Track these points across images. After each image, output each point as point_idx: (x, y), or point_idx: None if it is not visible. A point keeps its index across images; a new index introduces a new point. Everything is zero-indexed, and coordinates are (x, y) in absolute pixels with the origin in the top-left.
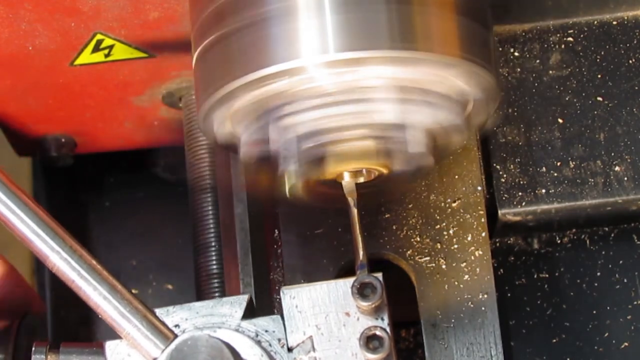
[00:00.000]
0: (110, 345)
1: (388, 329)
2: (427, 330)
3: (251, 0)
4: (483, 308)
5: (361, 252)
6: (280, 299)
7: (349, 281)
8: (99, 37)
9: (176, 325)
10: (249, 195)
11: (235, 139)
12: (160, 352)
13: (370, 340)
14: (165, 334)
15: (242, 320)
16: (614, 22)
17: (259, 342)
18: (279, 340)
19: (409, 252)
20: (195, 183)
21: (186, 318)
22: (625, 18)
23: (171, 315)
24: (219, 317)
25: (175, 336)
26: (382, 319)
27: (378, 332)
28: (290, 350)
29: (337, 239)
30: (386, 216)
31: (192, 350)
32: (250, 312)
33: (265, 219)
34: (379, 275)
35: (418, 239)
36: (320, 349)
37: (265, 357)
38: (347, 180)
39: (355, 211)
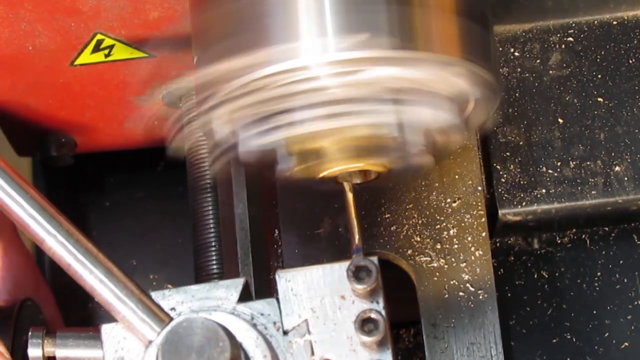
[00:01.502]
0: (106, 329)
1: (383, 312)
2: (427, 330)
3: (251, 0)
4: (483, 308)
5: (357, 236)
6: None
7: (344, 264)
8: (99, 37)
9: (172, 309)
10: (249, 194)
11: (235, 138)
12: (156, 334)
13: (365, 323)
14: (160, 317)
15: (238, 304)
16: (614, 22)
17: (254, 325)
18: (275, 323)
19: (409, 252)
20: (195, 183)
21: (182, 301)
22: (626, 18)
23: (167, 299)
24: (215, 300)
25: (171, 319)
26: (378, 302)
27: (373, 315)
28: (285, 333)
29: (337, 239)
30: (386, 216)
31: (188, 332)
32: (246, 296)
33: (265, 218)
34: (374, 258)
35: (418, 238)
36: (316, 332)
37: (261, 340)
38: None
39: (350, 195)
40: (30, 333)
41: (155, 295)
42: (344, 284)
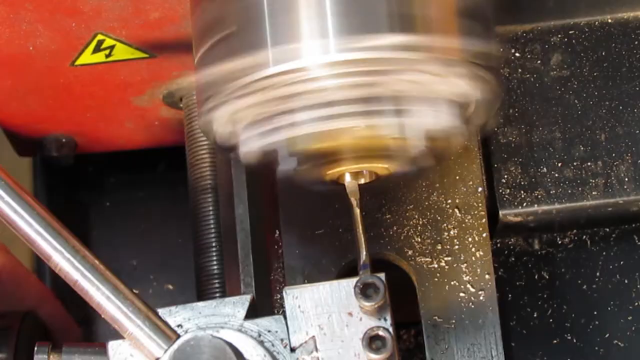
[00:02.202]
0: (112, 345)
1: (391, 329)
2: (427, 330)
3: (252, 0)
4: (484, 309)
5: (364, 253)
6: (281, 298)
7: (351, 281)
8: (99, 37)
9: (179, 325)
10: (250, 195)
11: (236, 139)
12: (163, 352)
13: (373, 341)
14: (167, 334)
15: (245, 321)
16: (615, 23)
17: (261, 342)
18: (282, 340)
19: (409, 252)
20: (195, 183)
21: (189, 318)
22: (626, 18)
23: (174, 316)
24: (222, 317)
25: (178, 336)
26: (385, 319)
27: (381, 333)
28: (293, 350)
29: (338, 240)
30: (387, 217)
31: (195, 350)
32: (252, 312)
33: (266, 219)
34: (382, 275)
35: (419, 239)
36: (323, 349)
37: (268, 357)
38: (349, 181)
39: (357, 211)
40: (36, 348)
41: (162, 312)
42: (352, 301)
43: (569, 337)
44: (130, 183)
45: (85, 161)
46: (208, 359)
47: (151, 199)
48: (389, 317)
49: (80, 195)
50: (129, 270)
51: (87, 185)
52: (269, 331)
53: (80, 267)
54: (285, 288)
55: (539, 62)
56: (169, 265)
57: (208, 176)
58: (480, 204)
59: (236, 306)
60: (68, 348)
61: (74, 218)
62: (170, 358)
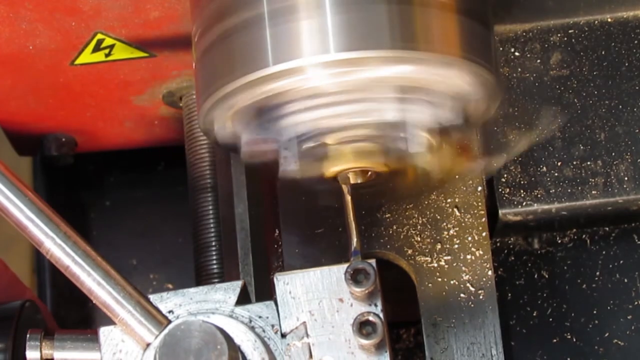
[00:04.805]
0: (104, 332)
1: (381, 315)
2: (427, 330)
3: (252, 0)
4: (483, 308)
5: (354, 239)
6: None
7: (342, 267)
8: (99, 36)
9: (170, 311)
10: (250, 194)
11: (235, 138)
12: (154, 337)
13: (363, 326)
14: (158, 319)
15: (236, 306)
16: (614, 22)
17: (252, 328)
18: (273, 326)
19: (409, 251)
20: (195, 182)
21: (180, 304)
22: (626, 18)
23: (165, 301)
24: (213, 303)
25: (169, 322)
26: (376, 305)
27: (371, 318)
28: (283, 336)
29: (338, 239)
30: (387, 216)
31: (186, 335)
32: (244, 298)
33: (265, 218)
34: (372, 261)
35: (418, 238)
36: (314, 334)
37: (259, 342)
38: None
39: (349, 198)
40: (28, 335)
41: (154, 297)
42: (342, 287)
43: (569, 336)
44: (130, 183)
45: (85, 160)
46: (198, 343)
47: (151, 199)
48: (379, 303)
49: (80, 194)
50: (129, 270)
51: (87, 184)
52: (259, 317)
53: (72, 253)
54: (276, 274)
55: (538, 61)
56: (169, 264)
57: (208, 175)
58: (479, 203)
59: (227, 292)
60: (60, 335)
61: (74, 217)
62: (161, 343)
